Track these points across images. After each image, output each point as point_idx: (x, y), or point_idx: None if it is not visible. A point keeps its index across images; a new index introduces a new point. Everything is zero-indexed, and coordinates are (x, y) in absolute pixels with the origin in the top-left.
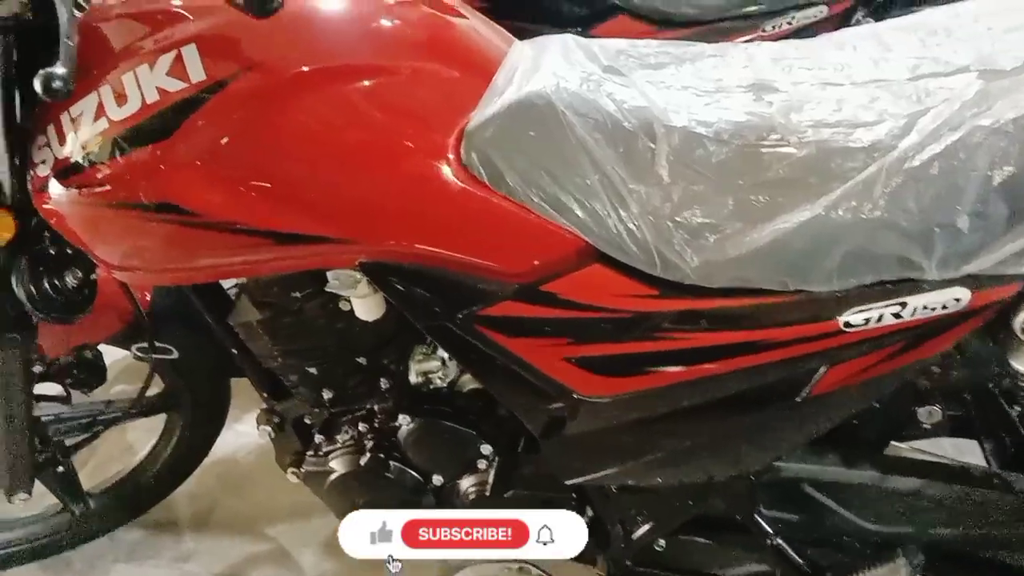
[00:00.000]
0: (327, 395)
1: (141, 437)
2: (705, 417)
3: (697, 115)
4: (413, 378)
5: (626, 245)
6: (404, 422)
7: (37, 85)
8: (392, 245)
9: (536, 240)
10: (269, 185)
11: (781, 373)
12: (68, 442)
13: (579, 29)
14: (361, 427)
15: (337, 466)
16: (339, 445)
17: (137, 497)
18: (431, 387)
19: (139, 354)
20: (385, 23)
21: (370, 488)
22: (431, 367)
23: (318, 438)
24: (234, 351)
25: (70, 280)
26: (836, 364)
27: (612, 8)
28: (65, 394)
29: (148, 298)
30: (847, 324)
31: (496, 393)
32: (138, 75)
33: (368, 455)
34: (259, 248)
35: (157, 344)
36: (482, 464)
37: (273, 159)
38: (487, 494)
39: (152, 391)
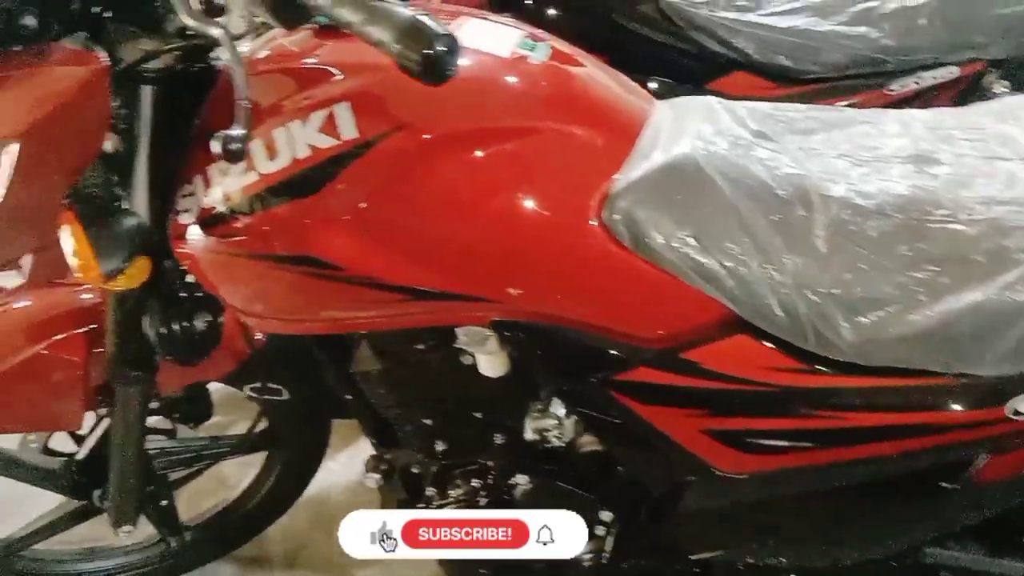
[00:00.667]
0: (440, 447)
1: (235, 471)
2: (849, 499)
3: (856, 185)
4: (529, 435)
5: (776, 316)
6: (521, 481)
7: (215, 147)
8: (528, 305)
9: (678, 306)
10: (411, 243)
11: (936, 459)
12: (171, 476)
13: (696, 83)
14: (475, 482)
15: None
16: (451, 499)
17: (232, 532)
18: (547, 445)
19: (252, 394)
20: (530, 84)
21: None
22: (547, 425)
23: (430, 490)
24: (347, 397)
25: (198, 323)
26: (999, 453)
27: (730, 63)
28: (170, 428)
29: (262, 339)
30: (1016, 412)
31: (624, 460)
32: (290, 130)
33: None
34: (394, 303)
35: (269, 385)
36: (600, 530)
37: (417, 218)
38: (604, 562)
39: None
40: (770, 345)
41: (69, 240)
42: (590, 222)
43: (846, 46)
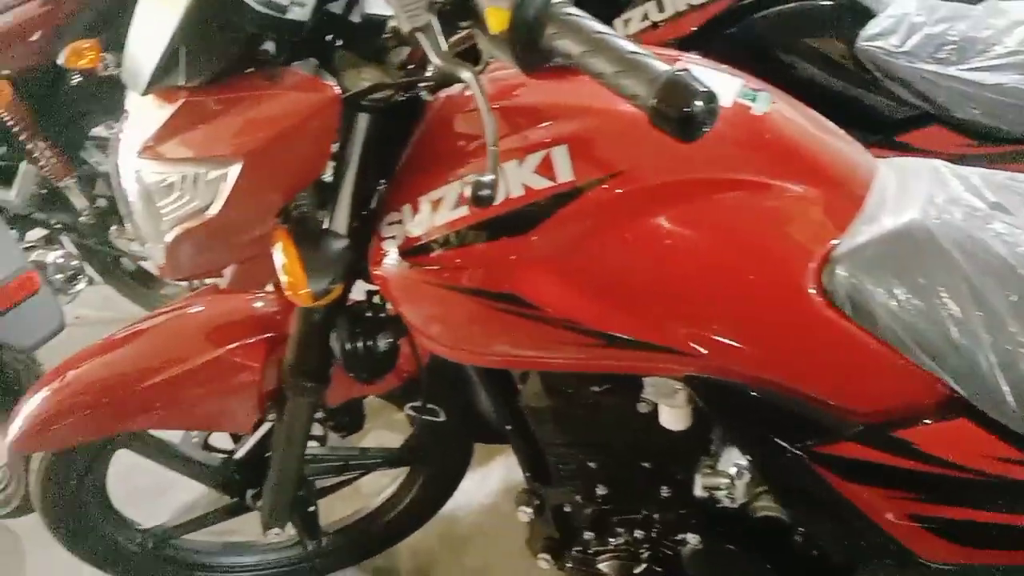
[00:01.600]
0: (601, 491)
1: (369, 479)
2: None
3: None
4: (698, 492)
5: (1006, 403)
6: (692, 541)
7: (466, 191)
8: (731, 363)
9: (896, 381)
10: (617, 290)
11: None
12: (318, 483)
13: (887, 135)
14: (637, 534)
15: (607, 569)
16: (611, 548)
17: (367, 541)
18: (718, 505)
19: (411, 413)
20: (752, 136)
21: None
22: (718, 483)
23: (587, 534)
24: (507, 427)
25: (381, 344)
26: None
27: (926, 116)
28: (322, 435)
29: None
30: None
31: (808, 533)
32: (505, 169)
33: (644, 565)
34: (590, 348)
35: (428, 406)
36: None
37: (626, 265)
38: None
39: (401, 442)
40: (995, 432)
41: (281, 258)
42: (808, 285)
43: None
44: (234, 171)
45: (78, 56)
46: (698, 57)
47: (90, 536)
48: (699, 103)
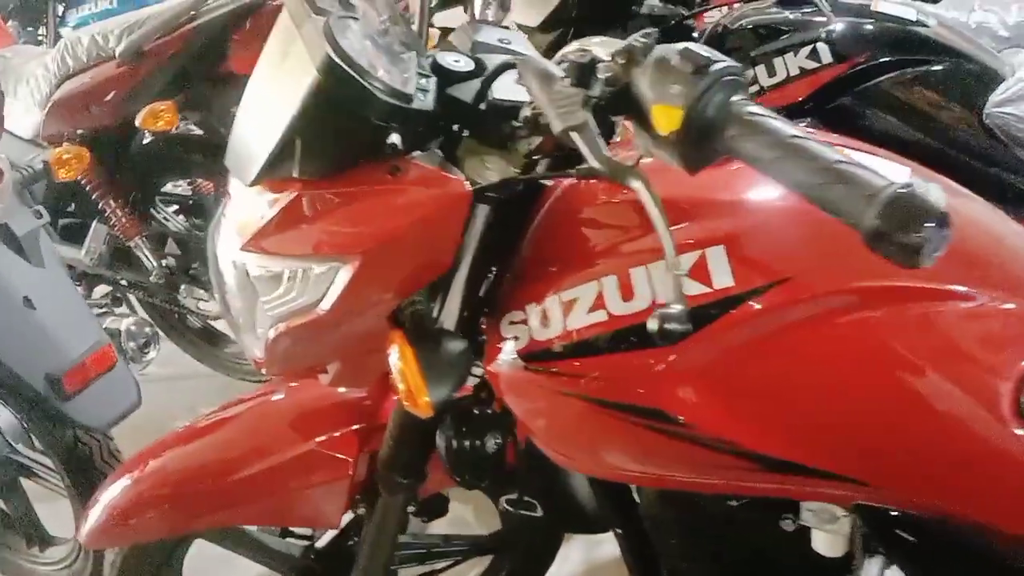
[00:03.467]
0: None
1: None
2: None
3: None
4: None
5: None
6: None
7: (652, 325)
8: (911, 495)
9: None
10: (781, 410)
11: None
12: (401, 573)
13: (1016, 207)
14: None
15: None
16: None
17: None
18: None
19: (507, 508)
20: (959, 240)
21: None
22: None
23: None
24: (617, 531)
25: (490, 445)
26: None
27: None
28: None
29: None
30: None
31: None
32: (651, 272)
33: None
34: (743, 471)
35: (525, 499)
36: None
37: (794, 382)
38: None
39: (487, 524)
40: None
41: (398, 365)
42: (1005, 408)
43: None
44: (350, 269)
45: (155, 118)
46: (858, 142)
47: None
48: (931, 225)
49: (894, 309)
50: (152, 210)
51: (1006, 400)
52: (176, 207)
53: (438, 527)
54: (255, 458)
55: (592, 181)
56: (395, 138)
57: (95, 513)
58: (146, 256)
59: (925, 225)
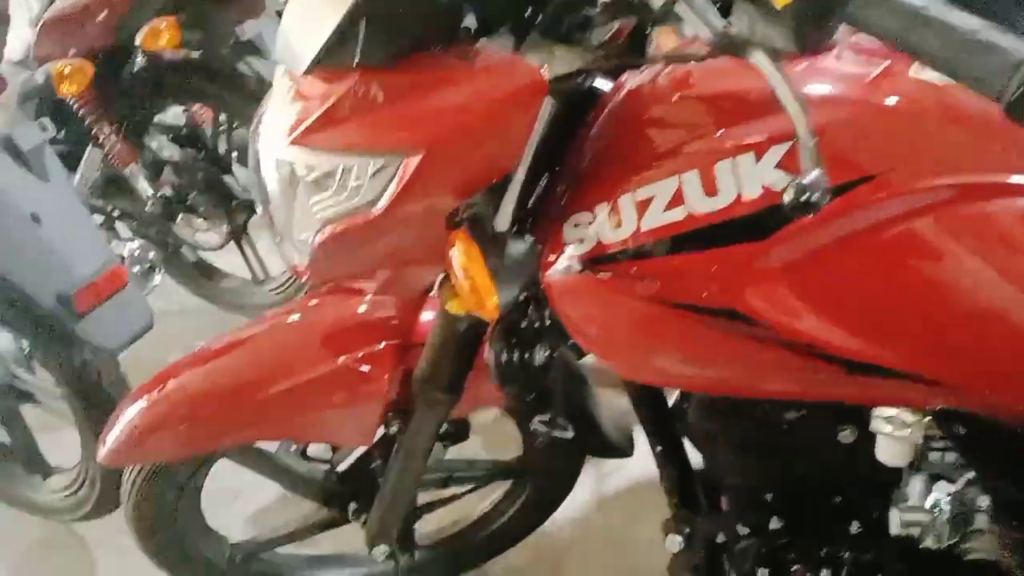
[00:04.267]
0: (775, 524)
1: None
2: None
3: None
4: (895, 529)
5: None
6: None
7: (787, 197)
8: (989, 397)
9: None
10: (869, 310)
11: None
12: (421, 497)
13: None
14: (824, 573)
15: None
16: None
17: (462, 557)
18: (920, 545)
19: (540, 427)
20: None
21: None
22: (918, 520)
23: (760, 571)
24: (658, 450)
25: (539, 356)
26: None
27: None
28: None
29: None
30: None
31: None
32: (737, 165)
33: None
34: (824, 374)
35: (559, 420)
36: None
37: (880, 281)
38: None
39: (506, 451)
40: None
41: (463, 265)
42: None
43: None
44: (411, 164)
45: (157, 36)
46: None
47: (180, 549)
48: None
49: (984, 205)
50: (147, 138)
51: None
52: (170, 137)
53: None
54: (283, 375)
55: (659, 81)
56: (470, 19)
57: (114, 432)
58: (142, 184)
59: None
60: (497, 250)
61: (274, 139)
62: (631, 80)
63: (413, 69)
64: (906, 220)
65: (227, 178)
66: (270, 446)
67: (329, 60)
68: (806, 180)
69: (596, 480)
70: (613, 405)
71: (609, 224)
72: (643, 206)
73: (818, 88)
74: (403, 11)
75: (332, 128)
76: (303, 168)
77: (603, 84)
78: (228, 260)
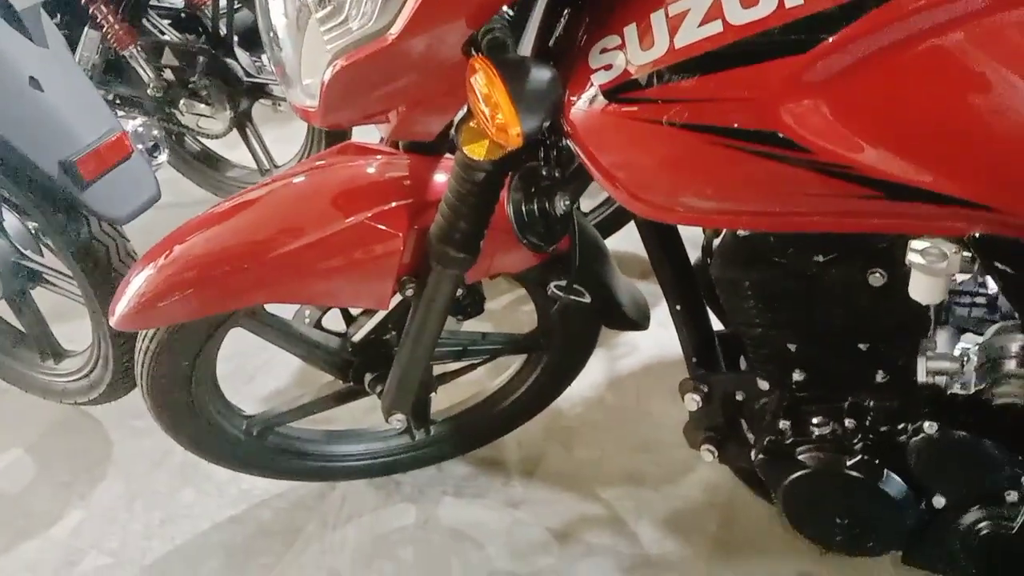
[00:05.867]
0: (797, 376)
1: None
2: None
3: None
4: (922, 377)
5: None
6: (928, 429)
7: None
8: None
9: None
10: (913, 128)
11: None
12: (436, 369)
13: None
14: (848, 423)
15: (810, 462)
16: (814, 438)
17: (477, 431)
18: (948, 391)
19: (557, 292)
20: None
21: (850, 495)
22: (944, 368)
23: (782, 423)
24: (676, 307)
25: (560, 206)
26: None
27: None
28: None
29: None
30: None
31: None
32: None
33: (858, 457)
34: (863, 200)
35: (575, 286)
36: (1012, 496)
37: (921, 99)
38: (1008, 532)
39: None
40: None
41: (483, 92)
42: None
43: None
44: None
45: None
46: None
47: (196, 420)
48: None
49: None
50: (145, 20)
51: None
52: (169, 21)
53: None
54: (294, 234)
55: None
56: None
57: (124, 297)
58: (142, 67)
59: None
60: (520, 75)
61: None
62: None
63: None
64: (946, 31)
65: (229, 62)
66: (284, 314)
67: None
68: None
69: (608, 361)
70: (629, 282)
71: (640, 45)
72: (677, 21)
73: None
74: None
75: None
76: None
77: None
78: (235, 154)
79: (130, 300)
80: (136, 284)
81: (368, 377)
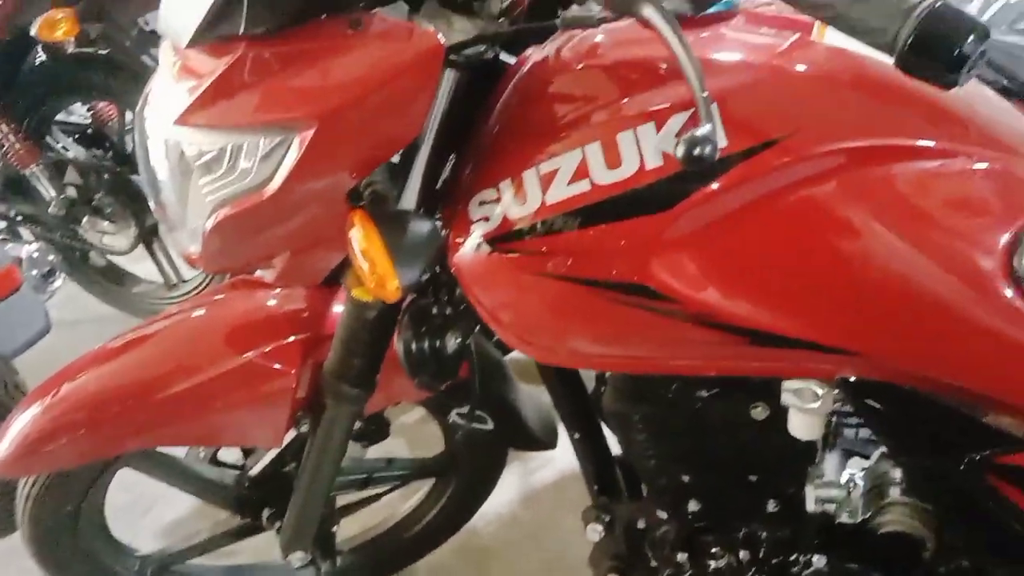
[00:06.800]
0: (693, 507)
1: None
2: None
3: None
4: (811, 506)
5: None
6: (818, 563)
7: (679, 151)
8: (900, 363)
9: None
10: (772, 279)
11: None
12: (340, 500)
13: None
14: (743, 554)
15: None
16: (710, 571)
17: (386, 559)
18: (835, 521)
19: (458, 421)
20: (929, 92)
21: None
22: (832, 496)
23: (679, 556)
24: (576, 437)
25: (451, 343)
26: None
27: (1006, 92)
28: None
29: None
30: None
31: (959, 553)
32: (639, 135)
33: None
34: (730, 346)
35: (477, 413)
36: None
37: (784, 249)
38: None
39: (429, 452)
40: None
41: (361, 245)
42: (996, 269)
43: None
44: (303, 138)
45: (52, 27)
46: None
47: (84, 566)
48: (972, 38)
49: (883, 169)
50: (49, 138)
51: (997, 262)
52: (74, 137)
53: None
54: (185, 374)
55: (562, 52)
56: None
57: (7, 439)
58: (44, 186)
59: (966, 39)
60: (399, 229)
61: (161, 119)
62: (536, 51)
63: (302, 38)
64: (809, 185)
65: (134, 178)
66: (177, 451)
67: (213, 31)
68: (699, 132)
69: (522, 475)
70: (535, 397)
71: (515, 200)
72: (547, 179)
73: (721, 54)
74: None
75: (219, 103)
76: (192, 149)
77: (510, 56)
78: (142, 268)
79: (13, 443)
80: (20, 425)
81: (266, 513)
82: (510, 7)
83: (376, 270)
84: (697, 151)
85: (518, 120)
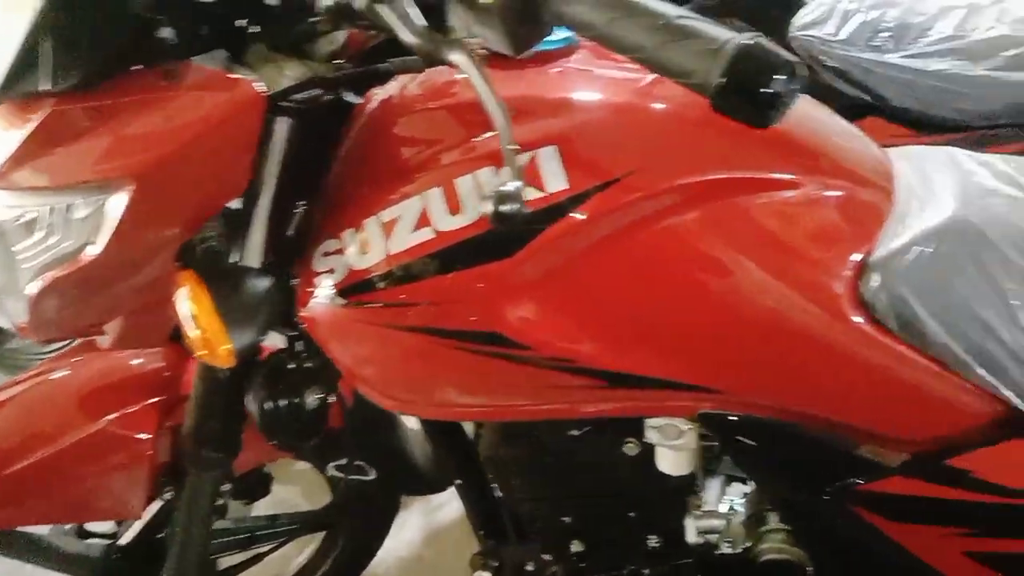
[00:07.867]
0: (576, 548)
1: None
2: None
3: None
4: (692, 538)
5: None
6: None
7: (486, 207)
8: (756, 397)
9: (949, 402)
10: (623, 319)
11: None
12: (222, 562)
13: None
14: None
15: None
16: None
17: None
18: (716, 551)
19: (336, 473)
20: (790, 127)
21: None
22: (713, 526)
23: None
24: (457, 483)
25: (310, 401)
26: None
27: (864, 107)
28: (222, 504)
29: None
30: None
31: None
32: (478, 178)
33: None
34: (588, 390)
35: (356, 463)
36: None
37: (633, 288)
38: None
39: (317, 503)
40: None
41: (189, 308)
42: (842, 298)
43: (1001, 93)
44: (121, 199)
45: None
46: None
47: None
48: (782, 78)
49: (730, 203)
50: None
51: (845, 290)
52: None
53: (263, 510)
54: (34, 446)
55: (406, 92)
56: (167, 32)
57: None
58: None
59: (776, 77)
60: (231, 288)
61: None
62: (380, 90)
63: (114, 92)
64: (654, 223)
65: None
66: (40, 528)
67: (18, 87)
68: (506, 188)
69: (423, 515)
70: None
71: (359, 250)
72: (389, 228)
73: (564, 93)
74: (89, 26)
75: (28, 165)
76: (7, 213)
77: (354, 98)
78: None
79: None
80: None
81: None
82: (342, 49)
83: (206, 335)
84: (505, 209)
85: (359, 164)
